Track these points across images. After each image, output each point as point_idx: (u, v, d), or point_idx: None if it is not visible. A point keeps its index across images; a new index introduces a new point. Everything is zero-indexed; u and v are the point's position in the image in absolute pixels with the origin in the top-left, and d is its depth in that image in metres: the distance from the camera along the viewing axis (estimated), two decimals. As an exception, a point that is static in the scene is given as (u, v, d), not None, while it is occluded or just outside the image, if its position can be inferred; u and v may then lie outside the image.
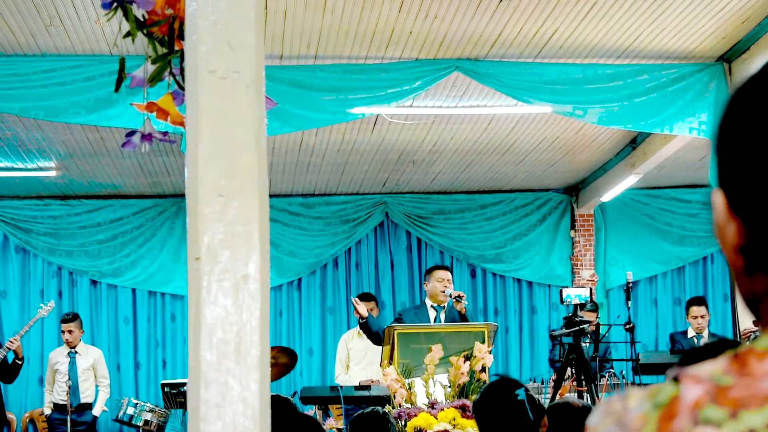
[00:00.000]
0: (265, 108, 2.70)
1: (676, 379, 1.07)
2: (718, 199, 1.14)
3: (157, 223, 14.12)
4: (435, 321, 8.59)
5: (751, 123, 1.10)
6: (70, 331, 12.04)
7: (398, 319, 8.82)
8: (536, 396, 4.55)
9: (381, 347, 8.30)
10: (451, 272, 9.20)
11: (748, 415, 1.01)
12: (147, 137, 3.34)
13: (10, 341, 11.48)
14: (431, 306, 8.82)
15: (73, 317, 12.19)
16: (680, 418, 1.04)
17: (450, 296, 8.60)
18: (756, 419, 1.00)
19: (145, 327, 14.18)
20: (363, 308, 8.85)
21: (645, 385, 10.18)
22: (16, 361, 11.56)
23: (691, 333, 11.62)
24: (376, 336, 8.79)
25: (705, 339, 11.34)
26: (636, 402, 1.10)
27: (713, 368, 1.06)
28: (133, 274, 14.06)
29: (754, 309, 1.13)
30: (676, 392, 1.05)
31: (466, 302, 8.52)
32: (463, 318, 8.47)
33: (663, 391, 1.07)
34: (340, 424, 10.25)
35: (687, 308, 11.69)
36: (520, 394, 4.44)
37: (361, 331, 10.22)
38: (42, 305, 12.02)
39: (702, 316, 11.47)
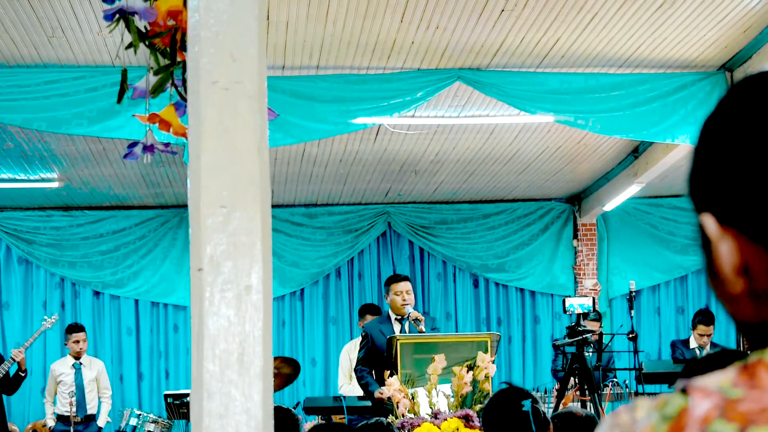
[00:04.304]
0: (267, 119, 2.70)
1: (684, 391, 1.07)
2: (708, 221, 1.14)
3: (159, 234, 14.13)
4: (400, 332, 8.44)
5: (733, 127, 1.12)
6: (81, 341, 12.03)
7: (365, 336, 8.71)
8: (540, 405, 4.54)
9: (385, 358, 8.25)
10: (410, 280, 8.90)
11: (756, 431, 1.00)
12: (149, 148, 3.34)
13: (15, 353, 11.47)
14: (395, 318, 8.68)
15: (82, 327, 12.21)
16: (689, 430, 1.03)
17: (409, 315, 8.41)
18: None
19: (148, 338, 14.19)
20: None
21: (648, 394, 10.17)
22: (19, 373, 11.55)
23: (693, 344, 11.60)
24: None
25: (707, 350, 11.31)
26: (644, 413, 1.09)
27: (722, 380, 1.05)
28: (135, 284, 14.06)
29: (758, 333, 1.12)
30: (684, 405, 1.05)
31: (422, 328, 8.30)
32: None
33: (671, 403, 1.06)
34: (343, 435, 10.22)
35: (695, 323, 11.58)
36: (525, 405, 4.43)
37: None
38: (46, 318, 12.02)
39: (709, 335, 11.44)
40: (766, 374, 1.04)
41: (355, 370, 8.61)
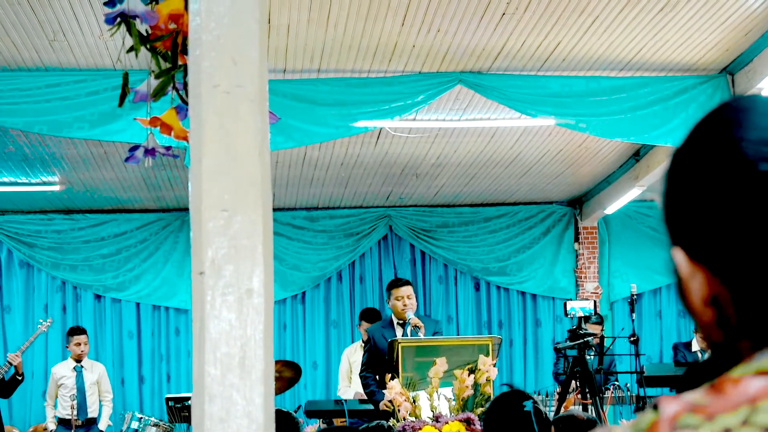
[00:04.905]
0: (268, 122, 2.70)
1: (655, 407, 1.09)
2: (678, 255, 1.16)
3: (160, 237, 14.13)
4: (402, 336, 8.44)
5: (699, 166, 1.14)
6: (83, 344, 12.02)
7: (367, 340, 8.73)
8: (541, 406, 4.54)
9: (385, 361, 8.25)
10: (411, 285, 8.87)
11: (723, 416, 1.03)
12: (150, 152, 3.34)
13: (12, 357, 11.46)
14: (397, 323, 8.67)
15: (84, 330, 12.21)
16: (660, 429, 1.05)
17: (409, 321, 8.40)
18: (731, 420, 1.03)
19: (149, 341, 14.18)
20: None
21: (650, 397, 10.17)
22: (16, 376, 11.53)
23: (695, 347, 11.59)
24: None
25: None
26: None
27: (692, 396, 1.09)
28: (137, 288, 14.06)
29: (728, 354, 1.15)
30: (656, 417, 1.08)
31: (423, 333, 8.30)
32: None
33: (644, 418, 1.10)
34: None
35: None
36: (527, 405, 4.43)
37: (362, 344, 10.19)
38: (41, 321, 12.02)
39: None
40: (731, 386, 1.07)
41: (360, 376, 8.62)
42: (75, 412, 11.58)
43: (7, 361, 11.46)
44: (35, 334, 11.83)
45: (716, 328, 1.15)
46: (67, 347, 12.19)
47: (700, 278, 1.14)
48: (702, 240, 1.13)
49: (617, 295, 14.55)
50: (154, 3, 2.99)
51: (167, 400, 11.32)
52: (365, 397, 8.89)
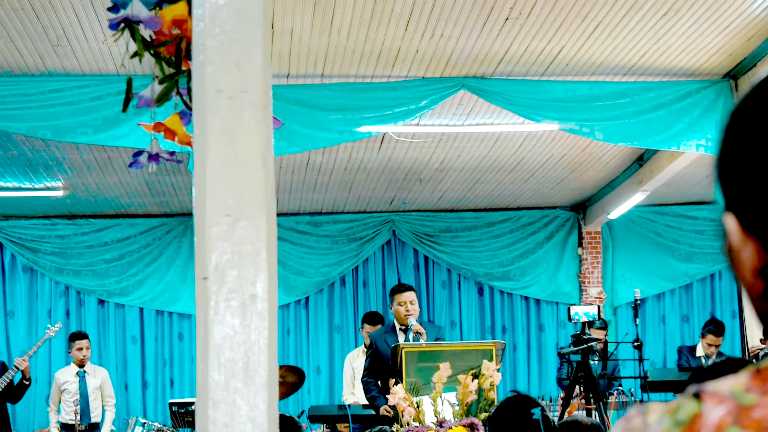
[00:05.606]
0: (272, 127, 2.71)
1: (696, 396, 1.06)
2: (730, 222, 1.13)
3: (164, 243, 14.13)
4: (405, 341, 8.43)
5: (756, 138, 1.09)
6: (85, 348, 12.02)
7: (370, 346, 8.73)
8: (549, 416, 4.54)
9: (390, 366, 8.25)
10: (414, 290, 8.85)
11: None
12: (154, 157, 3.34)
13: (19, 361, 11.47)
14: (400, 328, 8.66)
15: (85, 335, 12.20)
16: None
17: (411, 326, 8.39)
18: None
19: (153, 346, 14.18)
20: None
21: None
22: (23, 381, 11.54)
23: (699, 352, 11.57)
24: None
25: (713, 360, 11.28)
26: (656, 418, 1.08)
27: (734, 384, 1.05)
28: (140, 293, 14.06)
29: None
30: (697, 410, 1.05)
31: (425, 340, 8.28)
32: None
33: (684, 408, 1.06)
34: (348, 443, 10.21)
35: (705, 331, 11.55)
36: (536, 413, 4.43)
37: (365, 349, 10.18)
38: (49, 326, 12.01)
39: (717, 346, 11.40)
40: None
41: (362, 381, 8.62)
42: (78, 418, 11.58)
43: (15, 366, 11.46)
44: (42, 339, 11.82)
45: (765, 300, 1.11)
46: (69, 352, 12.19)
47: (751, 249, 1.10)
48: (753, 210, 1.09)
49: (621, 300, 14.54)
50: (157, 8, 2.99)
51: (171, 405, 11.32)
52: (367, 403, 8.89)
